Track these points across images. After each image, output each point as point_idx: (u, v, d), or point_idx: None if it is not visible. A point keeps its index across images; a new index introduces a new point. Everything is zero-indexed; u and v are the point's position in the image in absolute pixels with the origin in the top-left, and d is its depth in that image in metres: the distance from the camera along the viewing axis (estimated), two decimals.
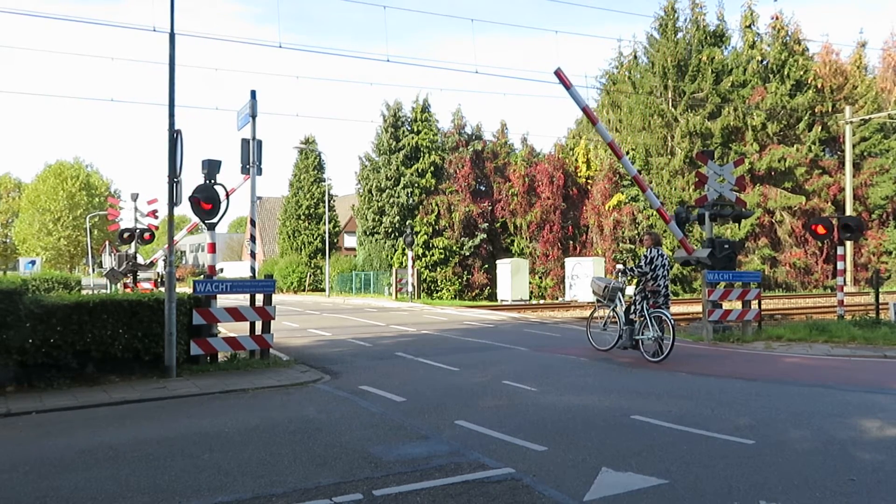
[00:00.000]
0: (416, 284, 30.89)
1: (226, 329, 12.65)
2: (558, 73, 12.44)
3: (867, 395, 7.51)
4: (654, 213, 35.88)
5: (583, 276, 29.28)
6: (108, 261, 21.91)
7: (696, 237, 33.88)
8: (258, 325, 10.39)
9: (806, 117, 37.34)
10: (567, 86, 12.75)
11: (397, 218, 35.87)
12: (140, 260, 21.05)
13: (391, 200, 36.04)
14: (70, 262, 68.90)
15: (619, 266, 11.61)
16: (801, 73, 37.78)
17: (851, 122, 35.67)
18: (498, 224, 36.80)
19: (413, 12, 77.91)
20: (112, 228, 25.86)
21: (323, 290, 42.43)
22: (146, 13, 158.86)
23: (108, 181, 75.26)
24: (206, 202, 10.04)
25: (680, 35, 37.51)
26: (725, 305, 13.75)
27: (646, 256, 10.78)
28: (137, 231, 20.21)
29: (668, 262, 10.96)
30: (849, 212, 33.37)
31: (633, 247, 34.42)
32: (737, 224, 30.18)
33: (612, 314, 11.20)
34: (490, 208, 36.42)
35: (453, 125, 38.13)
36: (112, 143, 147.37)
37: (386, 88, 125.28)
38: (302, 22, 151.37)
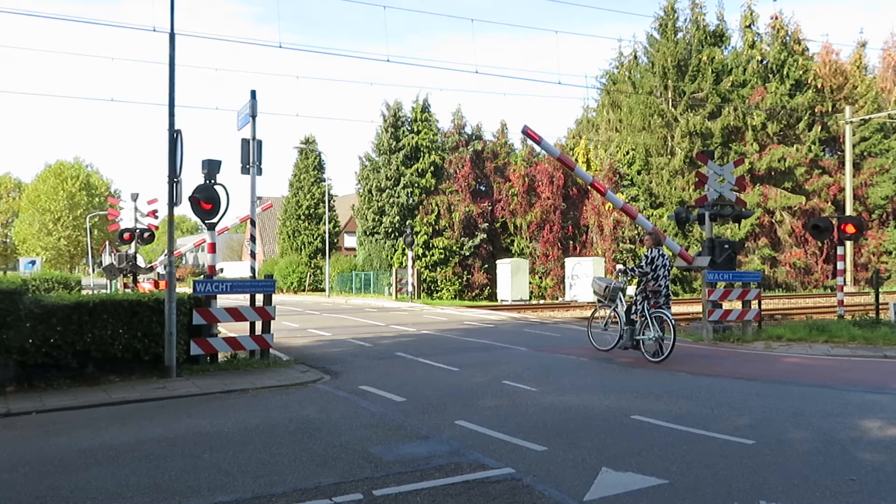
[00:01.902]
0: (416, 284, 30.89)
1: (226, 329, 12.65)
2: (526, 131, 12.53)
3: (867, 395, 7.51)
4: (655, 212, 35.93)
5: (583, 276, 29.28)
6: (108, 259, 21.93)
7: (696, 237, 33.92)
8: (258, 325, 10.38)
9: (806, 117, 37.36)
10: (537, 140, 12.82)
11: (397, 218, 35.87)
12: (140, 262, 21.05)
13: (391, 200, 36.04)
14: (70, 262, 68.87)
15: (620, 266, 11.61)
16: (801, 72, 37.80)
17: (851, 122, 35.66)
18: (498, 224, 36.80)
19: (413, 12, 77.98)
20: (112, 228, 25.90)
21: (323, 290, 42.42)
22: (146, 13, 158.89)
23: (108, 181, 75.26)
24: (206, 202, 10.03)
25: (680, 35, 37.53)
26: (725, 305, 13.75)
27: (646, 256, 10.78)
28: (137, 231, 20.20)
29: (669, 263, 10.96)
30: (849, 212, 33.36)
31: (633, 247, 34.42)
32: (737, 224, 30.17)
33: (612, 314, 11.20)
34: (490, 208, 36.41)
35: (453, 125, 38.13)
36: (112, 143, 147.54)
37: (386, 88, 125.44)
38: (302, 22, 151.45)
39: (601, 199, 36.00)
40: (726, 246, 13.84)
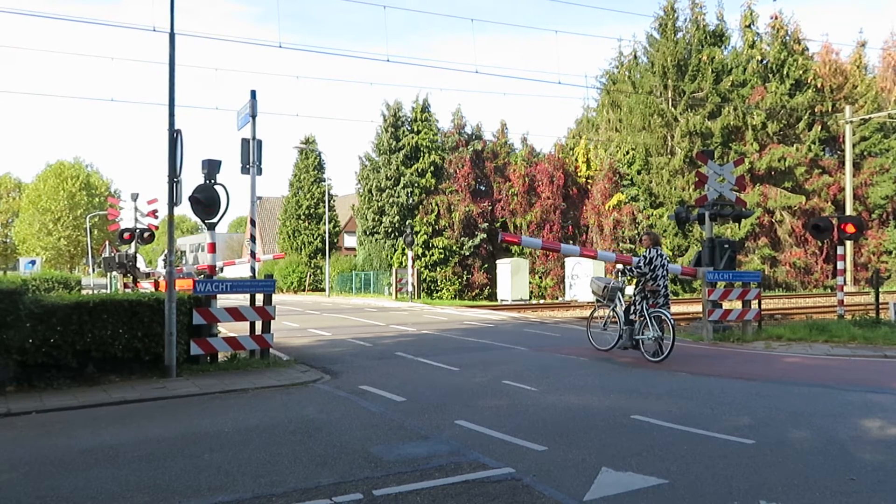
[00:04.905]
0: (416, 284, 30.88)
1: (226, 329, 12.65)
2: (504, 238, 13.64)
3: (867, 395, 7.50)
4: (654, 212, 35.94)
5: (583, 275, 29.27)
6: (107, 253, 21.96)
7: (696, 237, 33.91)
8: (258, 325, 10.38)
9: (806, 117, 37.33)
10: (517, 242, 14.30)
11: (397, 218, 35.86)
12: (141, 264, 21.04)
13: (391, 200, 36.03)
14: (70, 262, 68.89)
15: (619, 266, 11.60)
16: (801, 72, 37.78)
17: (851, 122, 35.66)
18: (498, 224, 36.80)
19: (413, 12, 78.08)
20: (112, 228, 25.86)
21: (323, 290, 42.41)
22: (146, 13, 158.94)
23: (108, 181, 75.27)
24: (206, 202, 10.03)
25: (680, 35, 37.50)
26: (725, 305, 13.75)
27: (645, 257, 10.75)
28: (137, 231, 20.20)
29: (668, 262, 10.95)
30: (849, 211, 33.36)
31: (633, 246, 34.40)
32: (737, 224, 30.19)
33: (612, 314, 11.20)
34: (490, 208, 36.42)
35: (453, 125, 38.13)
36: (112, 143, 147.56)
37: (386, 88, 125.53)
38: (302, 22, 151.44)
39: (601, 199, 36.10)
40: (726, 246, 13.83)
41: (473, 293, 35.21)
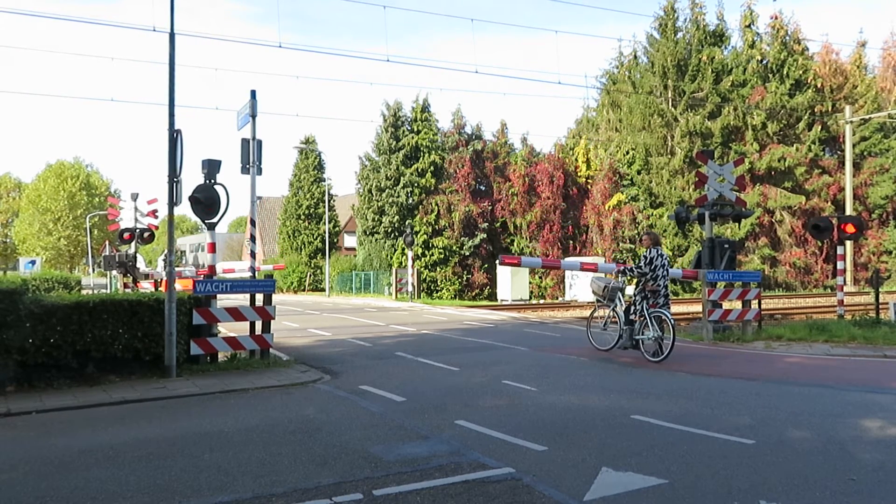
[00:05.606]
0: (416, 284, 30.88)
1: (226, 329, 12.65)
2: (503, 260, 14.78)
3: (867, 395, 7.51)
4: (654, 212, 35.93)
5: (583, 276, 29.25)
6: (108, 251, 21.96)
7: (696, 237, 33.91)
8: (258, 325, 10.38)
9: (806, 117, 37.34)
10: (517, 263, 15.93)
11: (397, 218, 35.87)
12: (141, 264, 21.03)
13: (391, 200, 36.04)
14: (70, 262, 68.88)
15: (620, 266, 11.60)
16: (801, 72, 37.79)
17: (851, 122, 35.67)
18: (498, 224, 36.81)
19: (413, 12, 78.15)
20: (112, 228, 25.87)
21: (323, 290, 42.41)
22: (146, 13, 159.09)
23: (108, 181, 75.22)
24: (206, 202, 10.03)
25: (680, 35, 37.52)
26: (725, 305, 13.75)
27: (645, 257, 10.74)
28: (137, 231, 20.20)
29: (668, 262, 10.94)
30: (849, 211, 33.36)
31: (632, 246, 34.43)
32: (737, 224, 30.18)
33: (612, 314, 11.20)
34: (490, 208, 36.42)
35: (453, 125, 38.15)
36: (112, 143, 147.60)
37: (386, 88, 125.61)
38: (302, 22, 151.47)
39: (601, 199, 36.11)
40: (726, 246, 13.82)
41: (473, 293, 35.22)
